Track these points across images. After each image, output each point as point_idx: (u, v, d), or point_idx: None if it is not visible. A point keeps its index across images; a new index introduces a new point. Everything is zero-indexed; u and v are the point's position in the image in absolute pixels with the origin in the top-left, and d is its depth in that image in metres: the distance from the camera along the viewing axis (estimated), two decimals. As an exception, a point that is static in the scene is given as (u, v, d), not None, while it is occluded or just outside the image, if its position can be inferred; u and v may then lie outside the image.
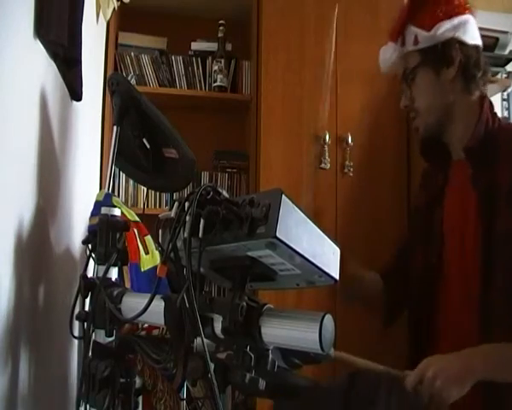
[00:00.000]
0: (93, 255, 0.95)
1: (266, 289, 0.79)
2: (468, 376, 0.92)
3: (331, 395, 1.11)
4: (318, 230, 0.69)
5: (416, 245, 1.27)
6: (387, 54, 1.21)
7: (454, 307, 1.12)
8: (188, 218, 0.66)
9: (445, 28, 1.12)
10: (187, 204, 0.68)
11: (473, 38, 1.15)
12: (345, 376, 1.16)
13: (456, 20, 1.13)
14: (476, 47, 1.15)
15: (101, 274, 0.91)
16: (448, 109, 1.15)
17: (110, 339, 0.90)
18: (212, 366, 0.65)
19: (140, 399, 0.97)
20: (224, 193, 0.68)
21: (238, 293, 0.66)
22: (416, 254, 1.27)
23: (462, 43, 1.13)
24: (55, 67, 1.18)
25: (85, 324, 0.88)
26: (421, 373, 0.95)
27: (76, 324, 0.93)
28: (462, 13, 1.15)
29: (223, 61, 2.38)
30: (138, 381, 0.92)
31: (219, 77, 2.37)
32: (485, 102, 1.15)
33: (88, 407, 0.86)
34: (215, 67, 2.38)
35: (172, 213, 0.69)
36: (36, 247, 1.05)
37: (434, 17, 1.14)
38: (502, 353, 0.96)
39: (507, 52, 2.32)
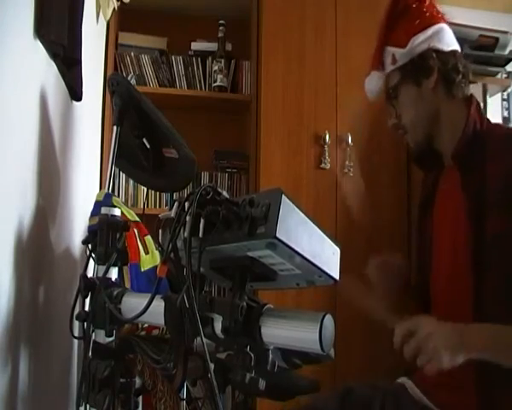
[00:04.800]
0: (93, 255, 0.95)
1: (266, 289, 0.79)
2: (462, 349, 0.90)
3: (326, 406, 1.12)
4: (318, 230, 0.69)
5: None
6: (372, 83, 1.22)
7: (447, 312, 1.12)
8: (188, 218, 0.66)
9: (419, 40, 1.14)
10: (187, 204, 0.68)
11: (448, 44, 1.16)
12: (340, 388, 1.16)
13: (430, 31, 1.14)
14: (453, 52, 1.16)
15: (101, 274, 0.91)
16: (434, 118, 1.16)
17: (110, 339, 0.91)
18: (212, 366, 0.65)
19: (140, 399, 0.97)
20: (224, 193, 0.69)
21: (238, 293, 0.66)
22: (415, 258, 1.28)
23: (439, 51, 1.14)
24: (55, 67, 1.18)
25: (85, 324, 0.88)
26: (415, 326, 0.93)
27: (76, 324, 0.93)
28: (436, 22, 1.16)
29: (223, 61, 2.38)
30: (138, 381, 0.92)
31: (219, 77, 2.37)
32: (472, 105, 1.14)
33: (88, 407, 0.86)
34: (215, 67, 2.38)
35: (172, 213, 0.69)
36: (36, 247, 1.05)
37: (408, 33, 1.15)
38: (499, 332, 0.95)
39: (507, 52, 2.31)
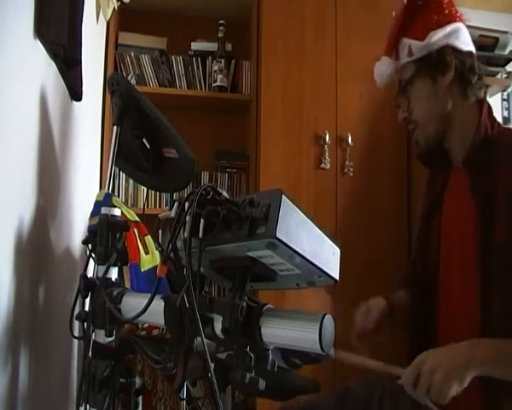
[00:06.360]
0: (93, 255, 0.95)
1: (266, 289, 0.79)
2: (467, 368, 0.90)
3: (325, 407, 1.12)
4: (318, 230, 0.69)
5: (417, 253, 1.28)
6: (383, 68, 1.21)
7: (453, 316, 1.12)
8: (188, 218, 0.66)
9: (438, 36, 1.13)
10: (187, 204, 0.68)
11: (466, 44, 1.16)
12: (338, 389, 1.16)
13: (448, 28, 1.14)
14: (470, 53, 1.16)
15: (101, 274, 0.91)
16: (446, 117, 1.15)
17: (110, 339, 0.90)
18: (212, 365, 0.65)
19: (140, 399, 0.97)
20: (224, 193, 0.68)
21: (238, 293, 0.66)
22: (418, 262, 1.27)
23: (456, 50, 1.14)
24: (55, 67, 1.18)
25: (85, 324, 0.88)
26: (418, 367, 0.93)
27: (76, 324, 0.93)
28: (454, 21, 1.16)
29: (223, 61, 2.38)
30: (138, 381, 0.92)
31: (219, 77, 2.37)
32: (483, 108, 1.14)
33: (88, 407, 0.86)
34: (215, 67, 2.38)
35: (172, 213, 0.69)
36: (36, 247, 1.05)
37: (427, 27, 1.14)
38: (503, 348, 0.94)
39: (507, 52, 2.31)
